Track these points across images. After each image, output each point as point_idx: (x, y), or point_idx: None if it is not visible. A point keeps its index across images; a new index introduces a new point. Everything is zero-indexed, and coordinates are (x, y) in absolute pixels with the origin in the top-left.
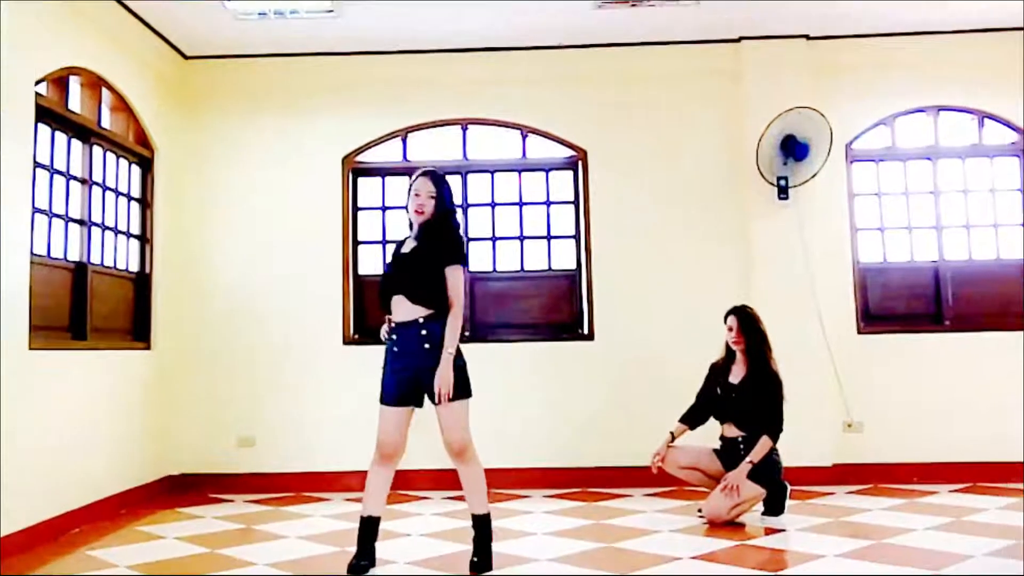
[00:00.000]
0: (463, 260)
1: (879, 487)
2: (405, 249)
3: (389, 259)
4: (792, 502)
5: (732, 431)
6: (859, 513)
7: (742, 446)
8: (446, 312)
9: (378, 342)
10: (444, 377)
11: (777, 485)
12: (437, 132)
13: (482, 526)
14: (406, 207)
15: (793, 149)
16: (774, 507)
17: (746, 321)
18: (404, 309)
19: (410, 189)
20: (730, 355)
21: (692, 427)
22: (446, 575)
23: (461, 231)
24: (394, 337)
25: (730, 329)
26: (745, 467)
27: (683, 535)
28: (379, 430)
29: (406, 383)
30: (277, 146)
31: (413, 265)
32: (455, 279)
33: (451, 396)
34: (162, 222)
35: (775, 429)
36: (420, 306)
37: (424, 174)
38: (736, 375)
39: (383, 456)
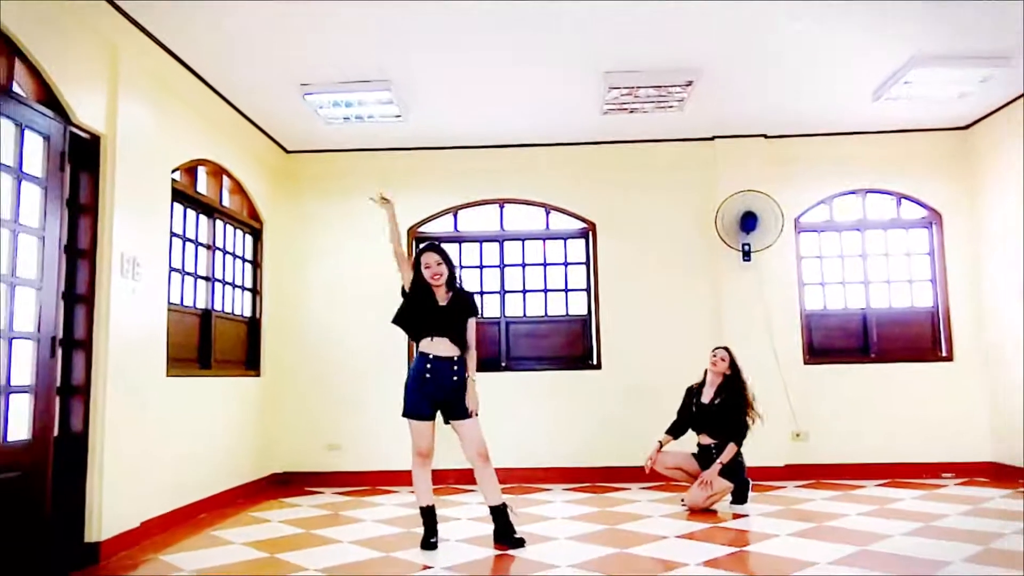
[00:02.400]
0: (479, 313)
1: (821, 482)
2: (440, 302)
3: (415, 303)
4: (754, 494)
5: (706, 440)
6: (806, 502)
7: (714, 451)
8: (466, 352)
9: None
10: (475, 397)
11: (742, 480)
12: (480, 209)
13: (504, 513)
14: (418, 274)
15: (745, 222)
16: (740, 497)
17: (731, 355)
18: (444, 347)
19: (419, 262)
20: (703, 380)
21: (675, 437)
22: (492, 551)
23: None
24: (429, 366)
25: (719, 359)
26: (716, 467)
27: (669, 519)
28: (416, 438)
29: (436, 404)
30: (357, 221)
31: (454, 317)
32: (473, 328)
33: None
34: (268, 278)
35: (739, 438)
36: (456, 346)
37: (426, 249)
38: (707, 396)
39: (423, 456)
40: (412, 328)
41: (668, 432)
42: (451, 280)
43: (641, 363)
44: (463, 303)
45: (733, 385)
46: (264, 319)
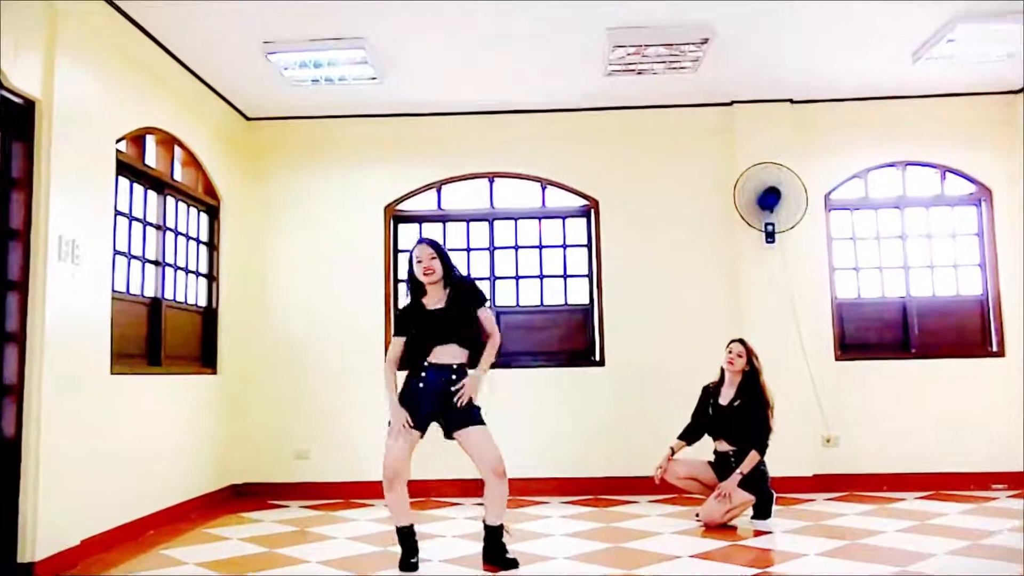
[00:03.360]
0: (488, 300)
1: (854, 494)
2: (434, 306)
3: (407, 317)
4: (778, 507)
5: (724, 446)
6: (836, 517)
7: (733, 459)
8: (476, 358)
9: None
10: (473, 387)
11: (765, 492)
12: (467, 184)
13: (499, 533)
14: (410, 273)
15: (766, 198)
16: (762, 512)
17: (748, 348)
18: (448, 354)
19: (411, 258)
20: (721, 379)
21: (689, 443)
22: (480, 573)
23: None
24: (423, 374)
25: (735, 355)
26: (736, 477)
27: (682, 536)
28: (388, 454)
29: (429, 415)
30: (326, 196)
31: (453, 317)
32: (490, 315)
33: (475, 414)
34: (226, 263)
35: (762, 444)
36: (464, 349)
37: (419, 243)
38: (725, 397)
39: (389, 478)
40: (417, 351)
41: (681, 437)
42: (448, 277)
43: (650, 359)
44: (463, 295)
45: (754, 384)
46: (222, 309)
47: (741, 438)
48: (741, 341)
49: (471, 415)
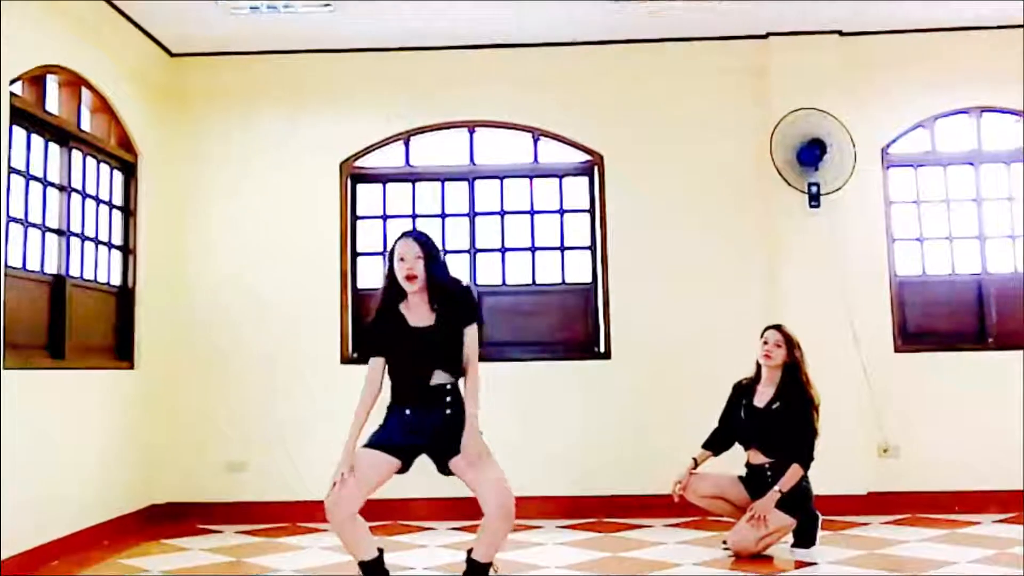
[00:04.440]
0: (480, 319)
1: (917, 517)
2: (419, 323)
3: (386, 332)
4: (824, 533)
5: (758, 457)
6: (896, 545)
7: (769, 473)
8: (463, 376)
9: None
10: (477, 441)
11: (808, 515)
12: (442, 135)
13: (481, 571)
14: (390, 273)
15: (808, 153)
16: (805, 538)
17: (788, 337)
18: (435, 378)
19: (392, 254)
20: (758, 375)
21: (716, 453)
22: None
23: (473, 292)
24: (408, 408)
25: (773, 345)
26: (773, 496)
27: (707, 569)
28: (362, 472)
29: (418, 447)
30: (270, 151)
31: (444, 340)
32: (474, 338)
33: (485, 454)
34: (146, 232)
35: (806, 456)
36: (450, 374)
37: (405, 236)
38: (762, 397)
39: (331, 516)
40: (394, 377)
41: (706, 447)
42: (434, 284)
43: (667, 350)
44: (453, 309)
45: (796, 380)
46: (140, 289)
47: (780, 448)
48: (779, 328)
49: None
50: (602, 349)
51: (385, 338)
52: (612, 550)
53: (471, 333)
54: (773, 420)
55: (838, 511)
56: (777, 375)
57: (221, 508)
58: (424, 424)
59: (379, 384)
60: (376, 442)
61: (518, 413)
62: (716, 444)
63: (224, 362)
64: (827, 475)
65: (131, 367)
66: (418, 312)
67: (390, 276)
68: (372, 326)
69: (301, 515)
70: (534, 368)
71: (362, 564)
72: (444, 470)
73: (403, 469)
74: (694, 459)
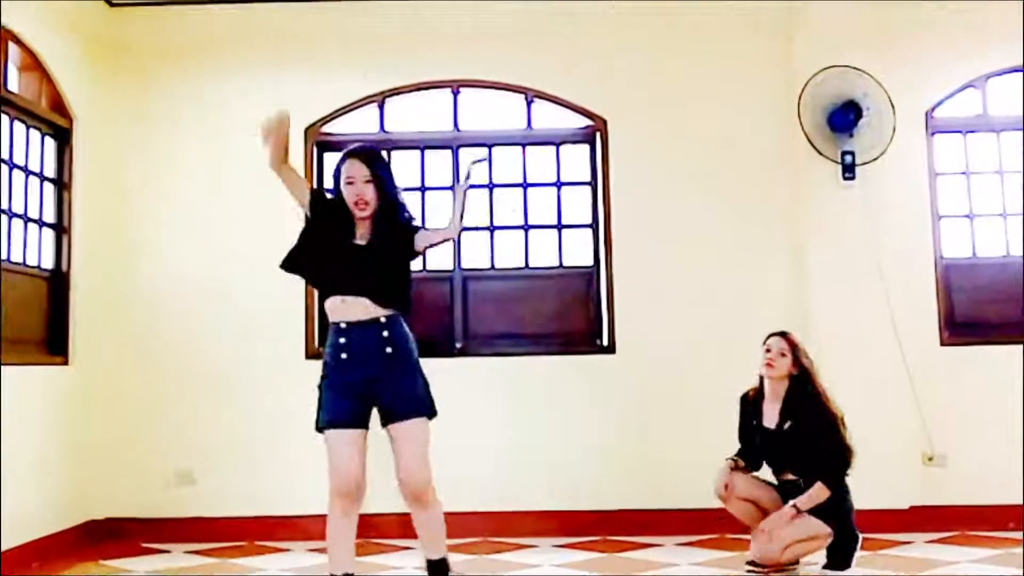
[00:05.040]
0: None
1: (967, 535)
2: (359, 239)
3: (319, 236)
4: (861, 553)
5: (789, 475)
6: (942, 566)
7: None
8: (407, 312)
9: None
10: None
11: (846, 532)
12: (422, 97)
13: (443, 570)
14: (334, 192)
15: (841, 117)
16: (840, 559)
17: (794, 345)
18: (360, 308)
19: (339, 174)
20: (761, 389)
21: (750, 467)
22: None
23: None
24: (343, 340)
25: (776, 353)
26: (788, 512)
27: None
28: (336, 463)
29: (360, 398)
30: (224, 115)
31: (377, 263)
32: (432, 238)
33: (426, 399)
34: (83, 208)
35: (835, 476)
36: (381, 307)
37: (352, 154)
38: (770, 418)
39: (345, 497)
40: (312, 278)
41: (740, 456)
42: (385, 210)
43: (678, 344)
44: (394, 234)
45: (804, 394)
46: (75, 273)
47: (807, 467)
48: (784, 335)
49: (413, 398)
50: (605, 342)
51: (321, 239)
52: (616, 572)
53: (425, 234)
54: (788, 443)
55: (876, 527)
56: (782, 389)
57: (169, 524)
58: (361, 356)
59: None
60: (337, 419)
61: (509, 416)
62: (747, 459)
63: (173, 357)
64: (864, 487)
65: (65, 362)
66: (359, 230)
67: (329, 199)
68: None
69: (260, 532)
70: (527, 364)
71: None
72: (384, 424)
73: (367, 424)
74: (733, 460)
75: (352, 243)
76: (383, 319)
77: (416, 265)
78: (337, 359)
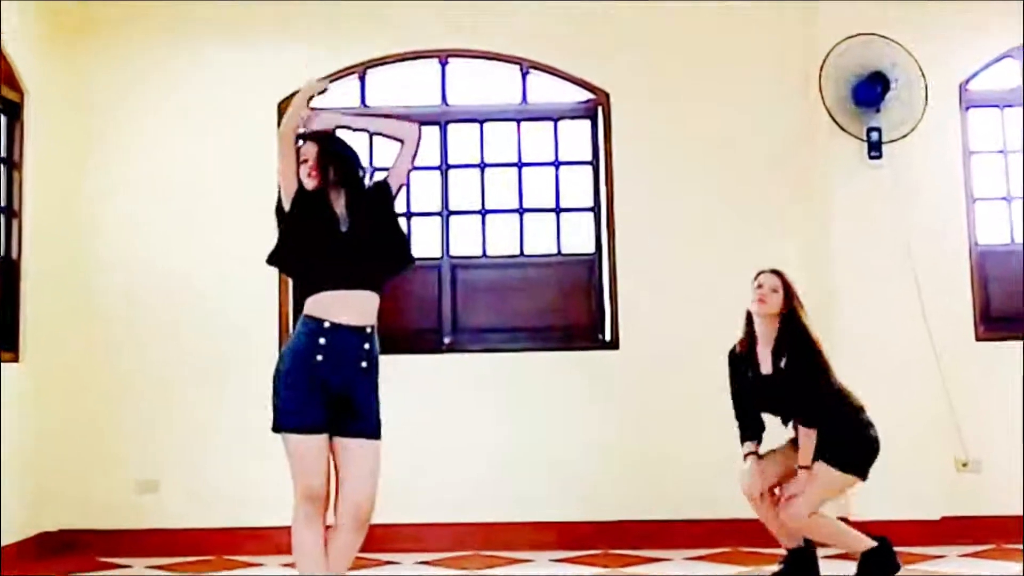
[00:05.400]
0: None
1: (1003, 548)
2: (342, 225)
3: (304, 224)
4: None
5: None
6: None
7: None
8: (412, 261)
9: None
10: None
11: (882, 550)
12: (406, 68)
13: None
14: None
15: (867, 90)
16: (881, 568)
17: (788, 284)
18: (355, 308)
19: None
20: (751, 334)
21: (760, 440)
22: None
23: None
24: (323, 341)
25: (767, 289)
26: (802, 477)
27: None
28: (300, 467)
29: (327, 404)
30: (190, 88)
31: (367, 244)
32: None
33: (376, 421)
34: (35, 189)
35: (818, 414)
36: (373, 305)
37: (304, 138)
38: (765, 362)
39: (313, 501)
40: (301, 271)
41: (746, 437)
42: (347, 181)
43: (688, 338)
44: (372, 206)
45: (796, 333)
46: (26, 261)
47: (815, 413)
48: (776, 272)
49: (372, 419)
50: (608, 336)
51: (307, 226)
52: None
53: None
54: (789, 383)
55: (905, 540)
56: (773, 330)
57: (128, 536)
58: (335, 362)
59: None
60: (292, 424)
61: (502, 418)
62: (752, 430)
63: (134, 354)
64: (892, 495)
65: (15, 359)
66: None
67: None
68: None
69: (230, 545)
70: (521, 360)
71: None
72: (330, 435)
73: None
74: (754, 453)
75: (338, 228)
76: (368, 329)
77: None
78: (308, 358)
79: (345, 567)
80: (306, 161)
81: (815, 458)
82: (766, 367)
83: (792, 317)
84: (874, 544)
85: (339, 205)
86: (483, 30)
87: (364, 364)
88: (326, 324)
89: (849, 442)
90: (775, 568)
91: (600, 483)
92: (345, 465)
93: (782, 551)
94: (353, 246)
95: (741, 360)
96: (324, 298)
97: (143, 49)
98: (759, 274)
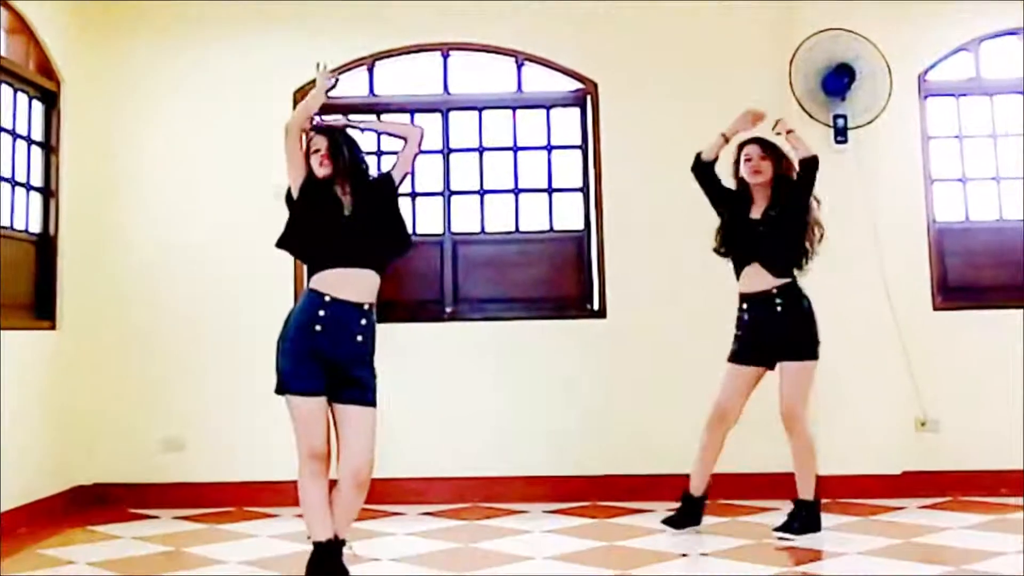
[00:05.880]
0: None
1: (959, 500)
2: (346, 210)
3: (311, 210)
4: (852, 519)
5: (761, 280)
6: (935, 532)
7: (779, 301)
8: (410, 245)
9: None
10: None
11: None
12: (411, 60)
13: (339, 550)
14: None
15: (835, 80)
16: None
17: (773, 147)
18: (355, 286)
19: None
20: (744, 191)
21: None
22: None
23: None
24: (322, 313)
25: (753, 159)
26: (787, 373)
27: (718, 560)
28: (303, 429)
29: (325, 369)
30: (213, 78)
31: (368, 230)
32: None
33: (372, 389)
34: (70, 171)
35: (787, 266)
36: (374, 284)
37: (314, 130)
38: (758, 210)
39: (316, 459)
40: (308, 252)
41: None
42: (353, 172)
43: (670, 308)
44: (376, 195)
45: (792, 186)
46: (62, 237)
47: (787, 262)
48: (758, 140)
49: (368, 388)
50: (596, 306)
51: (313, 213)
52: (607, 538)
53: (400, 172)
54: (776, 227)
55: (869, 493)
56: (768, 190)
57: (156, 490)
58: (334, 334)
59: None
60: (292, 386)
61: (498, 380)
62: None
63: (161, 322)
64: (856, 452)
65: (52, 327)
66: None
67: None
68: (297, 200)
69: (249, 498)
70: (517, 328)
71: (317, 546)
72: (329, 401)
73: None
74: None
75: (342, 213)
76: (366, 306)
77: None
78: (308, 328)
79: (349, 523)
80: (318, 151)
81: (797, 359)
82: (756, 214)
83: (784, 180)
84: (811, 500)
85: (345, 193)
86: (482, 26)
87: (360, 338)
88: (327, 298)
89: (813, 335)
90: (669, 514)
91: (589, 440)
92: (343, 430)
93: (758, 502)
94: (356, 230)
95: (739, 197)
96: (328, 275)
97: (166, 41)
98: (743, 146)
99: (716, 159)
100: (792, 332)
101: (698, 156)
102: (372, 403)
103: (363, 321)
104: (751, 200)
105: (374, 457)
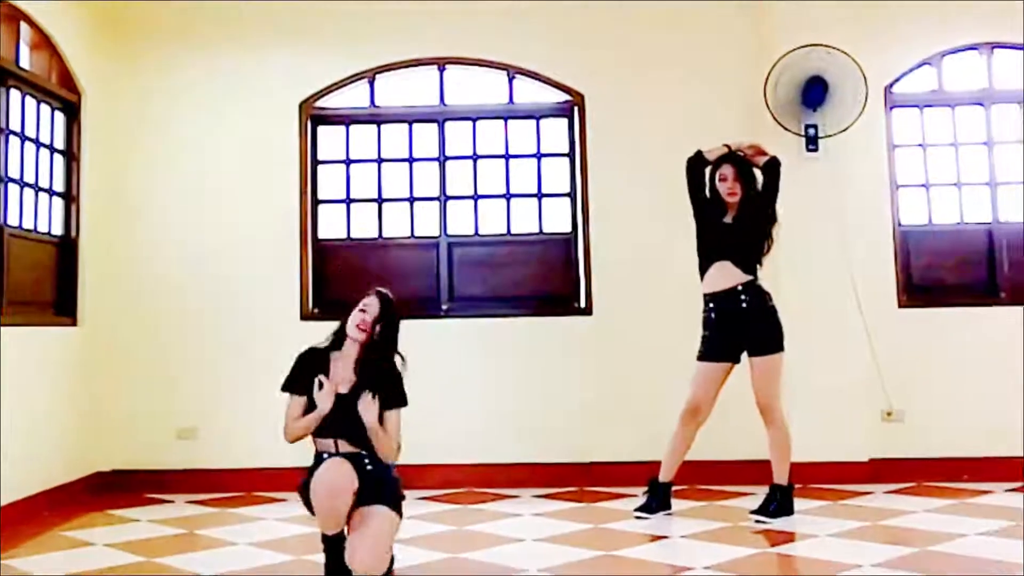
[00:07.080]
0: (405, 402)
1: (923, 485)
2: (341, 387)
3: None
4: (823, 503)
5: (730, 277)
6: (900, 516)
7: (744, 297)
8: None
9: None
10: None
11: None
12: (410, 73)
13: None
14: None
15: (810, 93)
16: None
17: (744, 171)
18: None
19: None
20: (718, 200)
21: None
22: None
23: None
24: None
25: (728, 181)
26: (759, 367)
27: (697, 542)
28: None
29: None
30: (224, 90)
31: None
32: (398, 421)
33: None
34: (90, 178)
35: (756, 260)
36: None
37: (375, 294)
38: (729, 218)
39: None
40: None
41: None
42: (374, 345)
43: (652, 306)
44: (379, 385)
45: (756, 194)
46: (83, 240)
47: (755, 261)
48: (730, 159)
49: (384, 493)
50: (582, 304)
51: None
52: (594, 521)
53: (395, 418)
54: (746, 227)
55: (838, 479)
56: (738, 204)
57: (171, 476)
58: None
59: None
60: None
61: (492, 373)
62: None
63: (174, 319)
64: (826, 441)
65: (74, 324)
66: (344, 366)
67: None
68: (303, 358)
69: (258, 483)
70: (508, 324)
71: (326, 539)
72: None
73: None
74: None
75: (343, 394)
76: (366, 459)
77: (404, 231)
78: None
79: None
80: (364, 311)
81: (765, 353)
82: (728, 219)
83: (752, 198)
84: (786, 485)
85: (348, 364)
86: (475, 41)
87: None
88: (324, 457)
89: (777, 328)
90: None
91: (575, 429)
92: (363, 527)
93: (734, 487)
94: (348, 412)
95: (713, 204)
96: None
97: (183, 54)
98: (720, 165)
99: (711, 162)
100: (757, 327)
101: (699, 153)
102: (390, 503)
103: (367, 463)
104: (724, 209)
105: (384, 548)
